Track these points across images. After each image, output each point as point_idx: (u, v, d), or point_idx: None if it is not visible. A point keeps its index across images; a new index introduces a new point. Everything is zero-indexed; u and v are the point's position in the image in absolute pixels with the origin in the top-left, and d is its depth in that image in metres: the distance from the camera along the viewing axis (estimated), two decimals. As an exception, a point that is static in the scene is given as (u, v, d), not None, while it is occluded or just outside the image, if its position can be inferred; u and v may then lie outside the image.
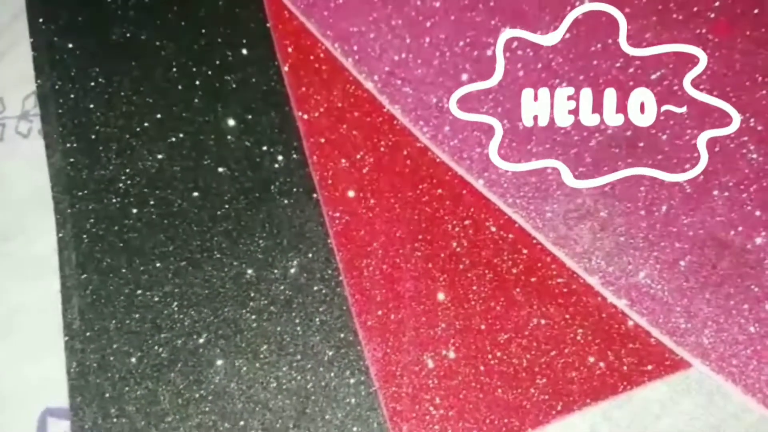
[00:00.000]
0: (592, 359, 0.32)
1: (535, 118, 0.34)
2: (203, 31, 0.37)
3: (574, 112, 0.34)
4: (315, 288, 0.33)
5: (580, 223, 0.33)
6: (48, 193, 0.35)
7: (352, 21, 0.36)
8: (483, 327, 0.32)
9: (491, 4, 0.35)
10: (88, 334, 0.33)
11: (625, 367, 0.31)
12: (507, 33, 0.35)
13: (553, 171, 0.33)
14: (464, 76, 0.35)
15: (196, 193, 0.35)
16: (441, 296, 0.33)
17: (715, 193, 0.33)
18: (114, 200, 0.35)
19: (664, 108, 0.33)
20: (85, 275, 0.33)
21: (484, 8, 0.35)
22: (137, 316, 0.33)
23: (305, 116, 0.36)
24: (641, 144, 0.33)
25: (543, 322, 0.32)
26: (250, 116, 0.36)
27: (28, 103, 0.37)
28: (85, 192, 0.35)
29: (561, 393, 0.31)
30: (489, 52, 0.35)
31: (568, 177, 0.33)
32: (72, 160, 0.35)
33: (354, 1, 0.36)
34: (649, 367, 0.31)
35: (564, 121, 0.34)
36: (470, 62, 0.34)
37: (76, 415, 0.32)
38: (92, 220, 0.34)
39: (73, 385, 0.32)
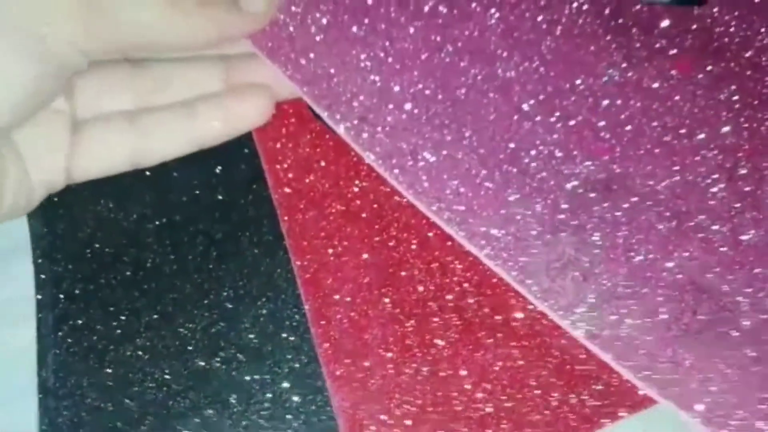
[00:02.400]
0: (555, 402, 0.32)
1: (509, 163, 0.33)
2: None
3: (548, 156, 0.33)
4: (284, 335, 0.34)
5: (562, 273, 0.32)
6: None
7: (320, 64, 0.35)
8: (450, 372, 0.33)
9: (459, 45, 0.35)
10: (61, 392, 0.33)
11: (587, 409, 0.32)
12: (475, 73, 0.35)
13: (532, 219, 0.32)
14: (437, 121, 0.34)
15: (169, 249, 0.35)
16: (408, 342, 0.33)
17: (690, 235, 0.32)
18: (90, 261, 0.35)
19: (636, 148, 0.33)
20: (60, 333, 0.34)
21: (453, 48, 0.35)
22: (110, 371, 0.34)
23: (274, 168, 0.36)
24: (615, 187, 0.33)
25: (508, 364, 0.33)
26: (220, 170, 0.37)
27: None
28: (63, 255, 0.36)
29: (525, 440, 0.32)
30: (460, 94, 0.34)
31: (546, 225, 0.32)
32: (51, 223, 0.36)
33: (321, 44, 0.35)
34: (611, 408, 0.32)
35: (538, 166, 0.33)
36: (442, 106, 0.34)
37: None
38: (69, 281, 0.35)
39: None
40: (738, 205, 0.32)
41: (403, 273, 0.35)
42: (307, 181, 0.36)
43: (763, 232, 0.32)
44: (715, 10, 0.35)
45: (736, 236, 0.32)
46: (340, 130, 0.34)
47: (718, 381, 0.30)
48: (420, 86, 0.35)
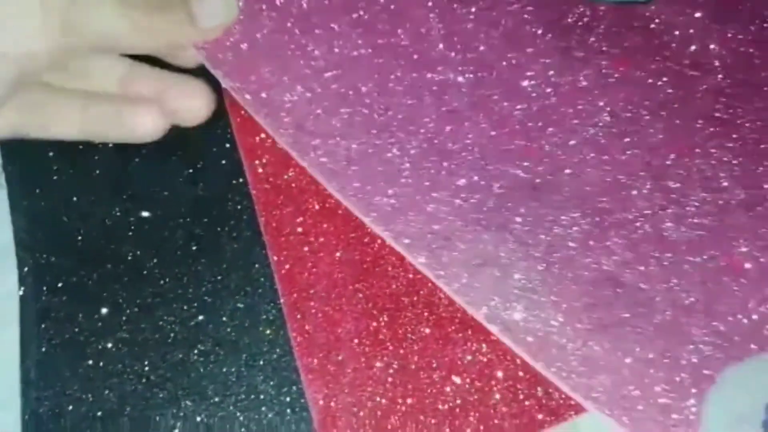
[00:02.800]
0: (521, 395, 0.33)
1: (439, 165, 0.35)
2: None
3: (478, 156, 0.35)
4: (260, 329, 0.35)
5: (480, 269, 0.33)
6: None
7: (260, 73, 0.36)
8: (421, 366, 0.34)
9: (398, 50, 0.36)
10: (42, 383, 0.34)
11: (553, 402, 0.33)
12: (413, 77, 0.36)
13: (456, 218, 0.34)
14: (372, 128, 0.35)
15: (149, 243, 0.36)
16: (381, 336, 0.34)
17: (612, 232, 0.33)
18: (72, 254, 0.36)
19: (566, 148, 0.35)
20: (43, 326, 0.35)
21: (392, 54, 0.36)
22: (91, 362, 0.35)
23: (253, 164, 0.37)
24: (542, 187, 0.34)
25: (476, 359, 0.34)
26: (200, 165, 0.37)
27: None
28: (46, 248, 0.36)
29: (492, 429, 0.33)
30: (396, 100, 0.36)
31: (471, 224, 0.34)
32: (32, 218, 0.37)
33: (262, 54, 0.36)
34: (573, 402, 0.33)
35: (468, 166, 0.35)
36: (378, 111, 0.36)
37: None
38: (52, 275, 0.36)
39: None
40: (663, 202, 0.34)
41: (377, 269, 0.36)
42: (286, 177, 0.37)
43: (684, 228, 0.33)
44: (657, 9, 0.36)
45: (658, 232, 0.33)
46: (278, 138, 0.36)
47: (625, 374, 0.32)
48: (357, 91, 0.36)
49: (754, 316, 0.32)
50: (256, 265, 0.36)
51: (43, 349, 0.35)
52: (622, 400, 0.31)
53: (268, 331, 0.35)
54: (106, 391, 0.34)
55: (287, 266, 0.36)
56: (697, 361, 0.32)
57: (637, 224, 0.33)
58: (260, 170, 0.37)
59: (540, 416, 0.33)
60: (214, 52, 0.37)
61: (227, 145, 0.38)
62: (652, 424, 0.31)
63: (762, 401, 0.32)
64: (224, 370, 0.34)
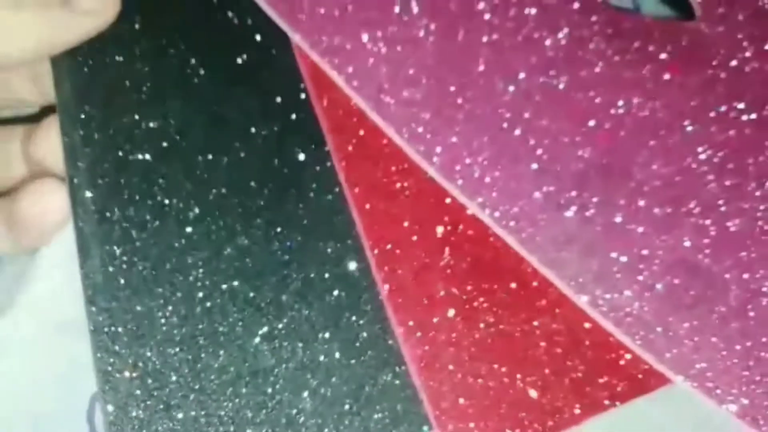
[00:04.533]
0: (612, 365, 0.35)
1: (520, 143, 0.36)
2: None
3: (554, 139, 0.36)
4: (357, 298, 0.35)
5: (566, 246, 0.35)
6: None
7: (340, 35, 0.36)
8: (515, 334, 0.35)
9: (484, 39, 0.37)
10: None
11: (639, 375, 0.35)
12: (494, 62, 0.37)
13: (540, 195, 0.36)
14: (459, 100, 0.36)
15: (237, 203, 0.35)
16: (475, 304, 0.35)
17: (683, 220, 0.36)
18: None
19: (635, 140, 0.37)
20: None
21: (476, 39, 0.37)
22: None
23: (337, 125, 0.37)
24: (615, 172, 0.36)
25: (566, 329, 0.35)
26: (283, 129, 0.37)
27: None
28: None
29: (585, 395, 0.34)
30: (481, 81, 0.37)
31: (552, 202, 0.36)
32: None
33: (340, 17, 0.37)
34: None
35: (546, 149, 0.36)
36: (460, 89, 0.37)
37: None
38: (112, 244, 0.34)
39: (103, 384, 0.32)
40: (724, 196, 0.36)
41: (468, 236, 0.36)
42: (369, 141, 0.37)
43: (746, 221, 0.36)
44: (698, 22, 0.39)
45: (722, 223, 0.36)
46: (361, 102, 0.36)
47: (708, 350, 0.34)
48: (440, 68, 0.37)
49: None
50: (342, 215, 0.36)
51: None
52: (707, 371, 0.34)
53: (363, 300, 0.35)
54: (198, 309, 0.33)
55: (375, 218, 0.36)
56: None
57: (705, 214, 0.36)
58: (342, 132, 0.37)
59: (629, 386, 0.34)
60: (297, 16, 0.36)
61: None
62: (735, 396, 0.34)
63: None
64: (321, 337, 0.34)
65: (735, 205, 0.36)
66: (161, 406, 0.32)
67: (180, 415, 0.32)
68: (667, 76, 0.38)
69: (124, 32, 0.35)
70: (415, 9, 0.37)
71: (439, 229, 0.36)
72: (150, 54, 0.36)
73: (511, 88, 0.37)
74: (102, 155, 0.34)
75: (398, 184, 0.36)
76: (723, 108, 0.37)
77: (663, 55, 0.38)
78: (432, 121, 0.36)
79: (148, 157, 0.35)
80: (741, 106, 0.38)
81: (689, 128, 0.37)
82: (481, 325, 0.35)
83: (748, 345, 0.34)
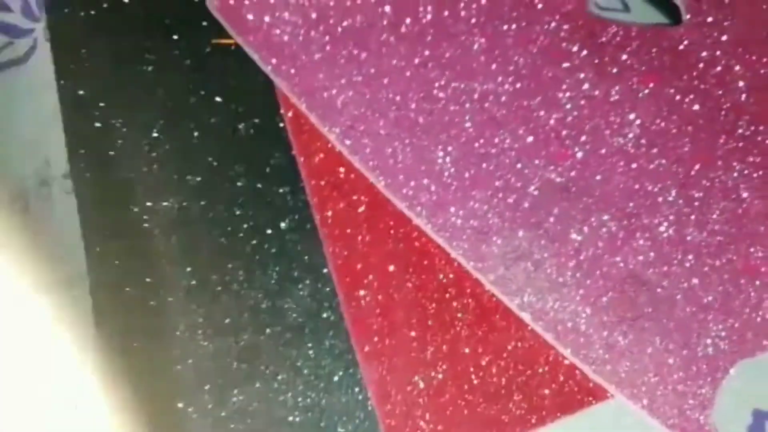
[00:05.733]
0: (562, 377, 0.37)
1: (478, 166, 0.38)
2: (218, 86, 0.41)
3: (515, 160, 0.38)
4: (324, 315, 0.38)
5: (515, 263, 0.37)
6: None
7: (317, 78, 0.39)
8: (467, 351, 0.37)
9: (443, 61, 0.39)
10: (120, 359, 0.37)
11: (591, 384, 0.36)
12: (455, 86, 0.39)
13: (493, 215, 0.37)
14: (417, 129, 0.39)
15: (214, 231, 0.39)
16: (429, 322, 0.38)
17: (638, 234, 0.37)
18: (139, 239, 0.38)
19: (597, 156, 0.38)
20: (117, 308, 0.37)
21: (437, 65, 0.39)
22: (165, 343, 0.37)
23: (306, 160, 0.40)
24: (574, 189, 0.38)
25: (519, 344, 0.37)
26: (258, 160, 0.40)
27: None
28: (113, 232, 0.39)
29: (535, 407, 0.36)
30: (440, 105, 0.39)
31: (507, 221, 0.37)
32: (100, 204, 0.39)
33: (318, 60, 0.39)
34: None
35: (505, 169, 0.38)
36: (423, 115, 0.39)
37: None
38: (121, 259, 0.38)
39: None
40: (687, 209, 0.37)
41: (424, 262, 0.38)
42: (339, 174, 0.40)
43: (705, 234, 0.37)
44: (685, 31, 0.40)
45: (681, 236, 0.37)
46: (331, 136, 0.39)
47: (646, 362, 0.36)
48: (405, 98, 0.39)
49: None
50: (317, 255, 0.38)
51: (118, 331, 0.37)
52: (642, 385, 0.35)
53: (332, 317, 0.38)
54: (183, 370, 0.37)
55: (342, 258, 0.38)
56: (712, 354, 0.36)
57: (662, 228, 0.37)
58: (314, 167, 0.40)
59: (579, 396, 0.36)
60: (273, 60, 0.40)
61: (281, 142, 0.40)
62: (668, 407, 0.35)
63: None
64: (293, 353, 0.37)
65: (693, 219, 0.37)
66: None
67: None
68: (641, 89, 0.39)
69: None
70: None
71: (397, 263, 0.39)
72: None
73: (476, 106, 0.39)
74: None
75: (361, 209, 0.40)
76: (696, 121, 0.39)
77: (641, 67, 0.39)
78: (397, 147, 0.39)
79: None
80: (721, 116, 0.39)
81: (654, 143, 0.38)
82: (434, 346, 0.38)
83: (688, 358, 0.36)
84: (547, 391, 0.36)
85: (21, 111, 0.41)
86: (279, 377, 0.37)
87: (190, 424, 0.36)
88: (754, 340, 0.36)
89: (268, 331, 0.37)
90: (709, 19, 0.40)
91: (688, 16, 0.40)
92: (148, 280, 0.38)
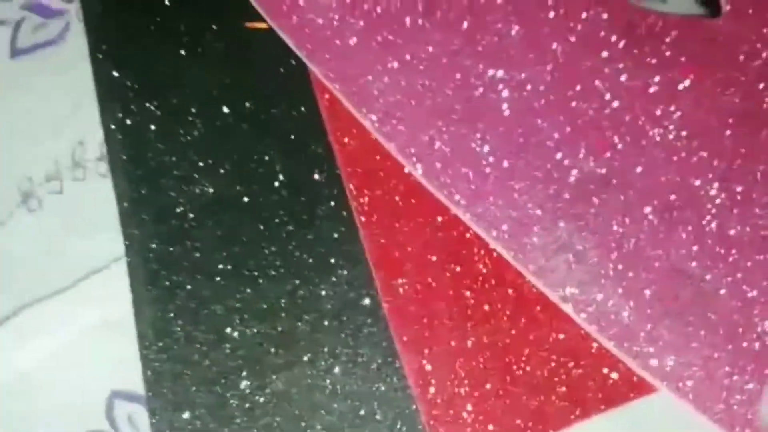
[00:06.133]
0: (605, 370, 0.36)
1: (517, 156, 0.37)
2: (252, 69, 0.40)
3: (554, 150, 0.38)
4: (361, 303, 0.37)
5: (556, 255, 0.36)
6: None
7: (352, 64, 0.39)
8: (508, 341, 0.36)
9: (479, 49, 0.39)
10: (160, 344, 0.36)
11: (635, 377, 0.36)
12: (492, 74, 0.39)
13: (533, 206, 0.37)
14: (454, 116, 0.38)
15: (249, 216, 0.38)
16: (469, 312, 0.37)
17: (680, 227, 0.36)
18: (175, 223, 0.38)
19: (637, 147, 0.37)
20: (154, 291, 0.37)
21: (473, 52, 0.39)
22: (203, 328, 0.36)
23: (342, 147, 0.39)
24: (614, 181, 0.37)
25: (561, 337, 0.37)
26: (294, 146, 0.39)
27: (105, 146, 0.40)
28: (149, 216, 0.38)
29: (578, 400, 0.36)
30: (477, 93, 0.38)
31: (548, 212, 0.37)
32: (135, 187, 0.38)
33: (354, 46, 0.39)
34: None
35: (544, 159, 0.37)
36: (460, 103, 0.38)
37: (153, 416, 0.35)
38: (157, 241, 0.37)
39: (151, 391, 0.35)
40: (728, 203, 0.37)
41: (463, 251, 0.38)
42: (375, 160, 0.39)
43: (749, 228, 0.36)
44: (725, 22, 0.40)
45: (723, 231, 0.36)
46: (366, 122, 0.38)
47: (691, 356, 0.35)
48: (441, 85, 0.39)
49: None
50: (354, 242, 0.38)
51: (158, 314, 0.36)
52: (688, 379, 0.35)
53: (369, 304, 0.37)
54: (222, 357, 0.36)
55: (379, 246, 0.38)
56: (758, 349, 0.35)
57: (704, 222, 0.37)
58: (350, 153, 0.39)
59: (623, 390, 0.36)
60: (308, 46, 0.39)
61: (316, 128, 0.40)
62: (715, 402, 0.34)
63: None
64: (331, 339, 0.36)
65: (736, 213, 0.37)
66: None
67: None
68: (681, 81, 0.39)
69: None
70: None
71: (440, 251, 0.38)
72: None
73: (514, 95, 0.38)
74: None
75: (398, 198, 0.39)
76: (736, 112, 0.38)
77: (680, 58, 0.39)
78: (434, 135, 0.38)
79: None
80: (762, 109, 0.38)
81: (694, 136, 0.38)
82: (475, 336, 0.37)
83: (734, 352, 0.35)
84: (590, 384, 0.36)
85: (55, 92, 0.41)
86: (317, 364, 0.36)
87: (227, 409, 0.35)
88: (801, 336, 0.35)
89: (305, 317, 0.37)
90: (750, 11, 0.40)
91: (728, 8, 0.40)
92: (185, 264, 0.37)
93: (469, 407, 0.35)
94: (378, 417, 0.35)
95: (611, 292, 0.36)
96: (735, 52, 0.39)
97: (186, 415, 0.35)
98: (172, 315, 0.36)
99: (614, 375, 0.36)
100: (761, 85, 0.39)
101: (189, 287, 0.37)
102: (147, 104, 0.39)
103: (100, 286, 0.38)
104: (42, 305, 0.38)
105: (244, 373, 0.36)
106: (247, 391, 0.35)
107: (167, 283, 0.37)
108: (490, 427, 0.35)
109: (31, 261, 0.38)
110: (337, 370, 0.36)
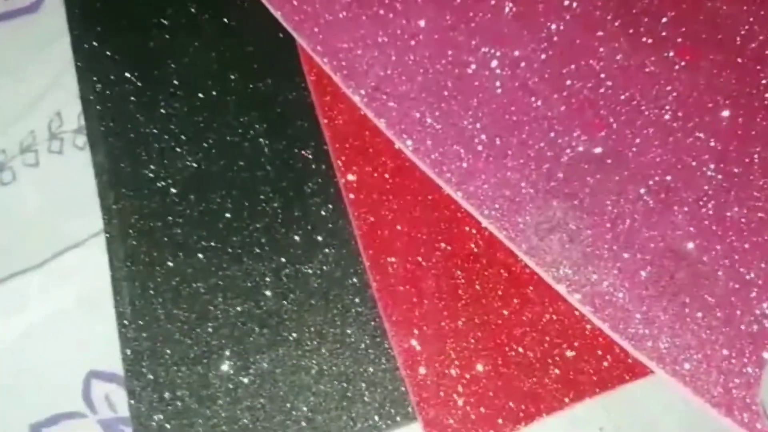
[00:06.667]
0: (599, 352, 0.35)
1: (510, 134, 0.37)
2: (238, 42, 0.39)
3: (547, 129, 0.37)
4: (349, 281, 0.36)
5: (550, 234, 0.35)
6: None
7: (341, 38, 0.38)
8: (500, 322, 0.35)
9: (472, 25, 0.38)
10: (139, 322, 0.34)
11: (630, 359, 0.35)
12: (485, 51, 0.38)
13: (526, 185, 0.36)
14: (445, 93, 0.37)
15: (234, 192, 0.37)
16: (460, 292, 0.36)
17: (675, 208, 0.36)
18: (156, 198, 0.36)
19: (633, 127, 0.37)
20: (133, 267, 0.35)
21: (466, 28, 0.38)
22: (185, 306, 0.35)
23: (330, 123, 0.38)
24: (609, 161, 0.36)
25: (554, 317, 0.36)
26: (282, 121, 0.38)
27: (83, 118, 0.38)
28: (129, 190, 0.36)
29: (572, 382, 0.35)
30: (469, 70, 0.38)
31: (540, 191, 0.36)
32: (115, 159, 0.37)
33: (343, 19, 0.38)
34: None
35: (537, 137, 0.37)
36: (452, 79, 0.37)
37: (132, 397, 0.34)
38: (137, 216, 0.36)
39: (129, 371, 0.34)
40: (725, 184, 0.36)
41: (454, 229, 0.37)
42: (364, 137, 0.38)
43: (746, 210, 0.36)
44: (723, 2, 0.39)
45: (720, 212, 0.36)
46: (355, 97, 0.37)
47: (688, 338, 0.34)
48: (432, 61, 0.38)
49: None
50: (341, 220, 0.37)
51: (137, 291, 0.35)
52: (685, 361, 0.34)
53: (357, 283, 0.36)
54: (204, 336, 0.34)
55: (368, 224, 0.37)
56: (757, 331, 0.34)
57: (701, 203, 0.36)
58: (338, 129, 0.38)
59: (617, 372, 0.35)
60: (296, 18, 0.38)
61: (303, 104, 0.39)
62: (712, 385, 0.33)
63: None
64: (318, 319, 0.35)
65: (733, 194, 0.36)
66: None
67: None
68: (677, 61, 0.38)
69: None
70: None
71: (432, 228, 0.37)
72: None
73: (507, 73, 0.37)
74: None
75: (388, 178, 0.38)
76: (733, 95, 0.37)
77: (677, 39, 0.38)
78: (425, 111, 0.37)
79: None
80: (755, 92, 0.37)
81: (690, 117, 0.37)
82: (465, 316, 0.36)
83: (732, 335, 0.34)
84: (584, 366, 0.35)
85: (32, 61, 0.39)
86: (303, 344, 0.35)
87: (209, 390, 0.34)
88: (799, 318, 0.34)
89: (291, 296, 0.35)
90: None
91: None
92: (166, 240, 0.35)
93: (460, 389, 0.34)
94: (366, 398, 0.34)
95: (606, 273, 0.35)
96: (732, 33, 0.39)
97: (166, 395, 0.33)
98: (152, 293, 0.35)
99: (609, 357, 0.35)
100: (758, 67, 0.38)
101: (170, 264, 0.35)
102: (127, 75, 0.38)
103: (77, 262, 0.36)
104: (15, 281, 0.36)
105: (227, 353, 0.34)
106: (230, 371, 0.34)
107: (147, 259, 0.35)
108: (481, 409, 0.34)
109: (3, 235, 0.37)
110: (323, 350, 0.35)
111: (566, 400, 0.34)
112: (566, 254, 0.35)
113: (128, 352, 0.34)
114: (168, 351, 0.34)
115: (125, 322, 0.34)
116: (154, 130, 0.37)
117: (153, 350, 0.34)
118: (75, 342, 0.35)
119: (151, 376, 0.34)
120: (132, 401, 0.34)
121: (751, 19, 0.39)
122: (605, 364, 0.35)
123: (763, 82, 0.38)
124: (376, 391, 0.34)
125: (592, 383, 0.35)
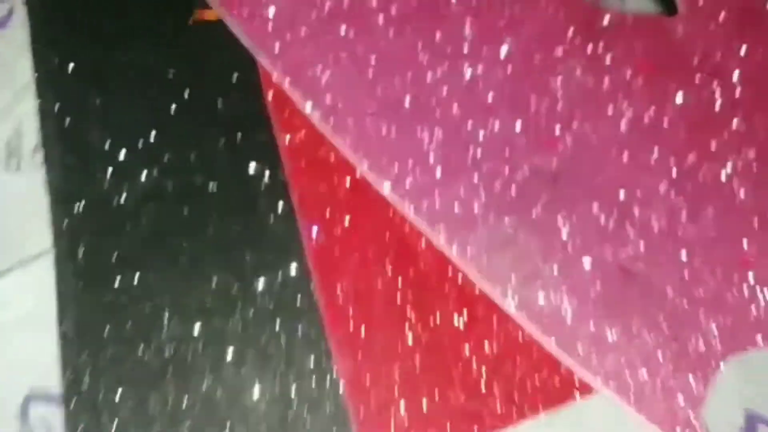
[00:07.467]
0: (546, 371, 0.35)
1: (465, 151, 0.37)
2: (197, 58, 0.39)
3: (502, 146, 0.37)
4: (297, 302, 0.36)
5: (500, 251, 0.35)
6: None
7: (301, 55, 0.38)
8: (446, 341, 0.36)
9: (432, 44, 0.38)
10: (81, 342, 0.35)
11: (576, 378, 0.35)
12: (444, 70, 0.38)
13: (479, 202, 0.36)
14: (402, 110, 0.37)
15: (186, 209, 0.37)
16: (408, 313, 0.36)
17: (627, 225, 0.36)
18: (107, 216, 0.37)
19: (588, 144, 0.37)
20: (79, 285, 0.35)
21: (425, 46, 0.38)
22: (130, 324, 0.35)
23: (286, 139, 0.38)
24: (563, 178, 0.36)
25: (502, 336, 0.35)
26: (238, 137, 0.38)
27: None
28: (80, 208, 0.37)
29: (517, 402, 0.35)
30: (427, 88, 0.38)
31: (492, 208, 0.36)
32: (67, 177, 0.37)
33: (303, 38, 0.38)
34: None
35: (492, 154, 0.37)
36: (410, 96, 0.37)
37: (68, 420, 0.34)
38: (87, 234, 0.36)
39: (67, 392, 0.34)
40: (679, 202, 0.36)
41: (404, 248, 0.37)
42: (319, 154, 0.38)
43: (698, 227, 0.36)
44: (682, 21, 0.39)
45: (672, 229, 0.36)
46: (313, 116, 0.37)
47: (633, 356, 0.34)
48: (390, 78, 0.38)
49: (760, 310, 0.35)
50: (294, 239, 0.37)
51: (83, 310, 0.35)
52: (630, 381, 0.34)
53: (306, 303, 0.36)
54: (146, 356, 0.35)
55: (319, 242, 0.37)
56: (703, 350, 0.34)
57: (653, 221, 0.36)
58: (294, 146, 0.38)
59: (564, 391, 0.35)
60: (256, 34, 0.38)
61: (261, 121, 0.39)
62: (657, 402, 0.33)
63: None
64: (263, 339, 0.35)
65: (685, 213, 0.36)
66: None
67: None
68: (635, 80, 0.38)
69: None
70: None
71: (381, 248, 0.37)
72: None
73: (465, 89, 0.38)
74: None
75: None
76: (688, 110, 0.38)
77: (635, 57, 0.38)
78: (381, 129, 0.37)
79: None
80: (716, 109, 0.38)
81: (646, 135, 0.37)
82: (412, 336, 0.36)
83: (679, 353, 0.34)
84: (530, 385, 0.35)
85: None
86: (247, 364, 0.35)
87: (150, 412, 0.34)
88: (745, 336, 0.35)
89: (237, 315, 0.35)
90: (705, 11, 0.39)
91: (684, 8, 0.40)
92: (113, 257, 0.36)
93: (402, 410, 0.34)
94: (308, 422, 0.34)
95: (555, 291, 0.35)
96: (690, 51, 0.39)
97: (104, 417, 0.34)
98: (97, 312, 0.35)
99: (555, 376, 0.35)
100: (714, 84, 0.38)
101: (117, 283, 0.35)
102: (86, 92, 0.38)
103: (25, 280, 0.36)
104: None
105: (169, 375, 0.34)
106: (172, 392, 0.34)
107: (94, 278, 0.36)
108: (425, 430, 0.34)
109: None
110: (267, 370, 0.35)
111: (511, 419, 0.34)
112: (515, 272, 0.35)
113: (68, 372, 0.34)
114: (109, 371, 0.34)
115: (67, 341, 0.35)
116: (111, 147, 0.37)
117: (93, 371, 0.34)
118: (15, 362, 0.36)
119: (89, 397, 0.34)
120: (68, 424, 0.34)
121: (709, 37, 0.39)
122: (553, 382, 0.35)
123: (720, 100, 0.38)
124: (319, 412, 0.34)
125: (538, 401, 0.35)
